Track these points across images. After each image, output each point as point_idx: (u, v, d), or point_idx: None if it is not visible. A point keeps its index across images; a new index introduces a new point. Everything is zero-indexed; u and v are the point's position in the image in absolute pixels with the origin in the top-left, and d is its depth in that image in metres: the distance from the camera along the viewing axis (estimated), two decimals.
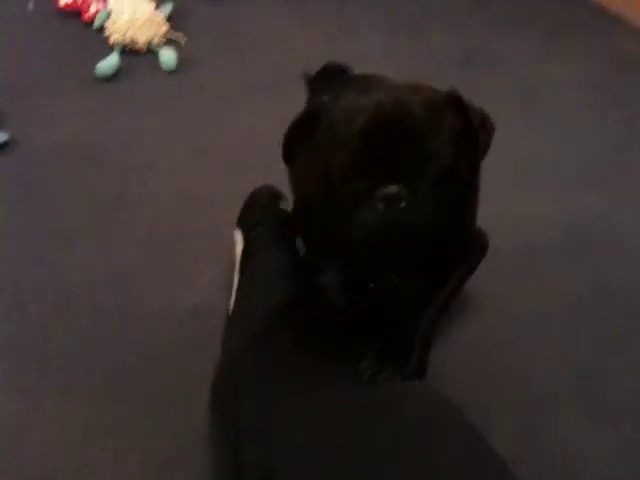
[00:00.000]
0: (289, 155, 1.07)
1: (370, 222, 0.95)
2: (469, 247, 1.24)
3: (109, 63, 2.09)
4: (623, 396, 1.30)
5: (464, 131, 0.99)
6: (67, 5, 2.37)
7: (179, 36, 2.24)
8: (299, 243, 1.32)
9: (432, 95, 1.00)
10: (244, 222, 1.39)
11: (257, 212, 1.37)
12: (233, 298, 1.31)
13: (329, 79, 1.31)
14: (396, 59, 2.14)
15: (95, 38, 2.25)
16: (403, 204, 0.94)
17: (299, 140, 1.05)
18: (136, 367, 1.30)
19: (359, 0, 2.49)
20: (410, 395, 0.88)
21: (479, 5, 2.47)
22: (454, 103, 1.00)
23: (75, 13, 2.36)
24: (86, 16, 2.33)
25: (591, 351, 1.38)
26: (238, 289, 1.29)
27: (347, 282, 1.21)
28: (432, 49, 2.24)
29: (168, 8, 2.33)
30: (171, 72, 2.13)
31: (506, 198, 1.65)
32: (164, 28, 2.23)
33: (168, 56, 2.13)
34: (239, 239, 1.39)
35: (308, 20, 2.38)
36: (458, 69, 2.13)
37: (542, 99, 2.05)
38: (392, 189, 0.94)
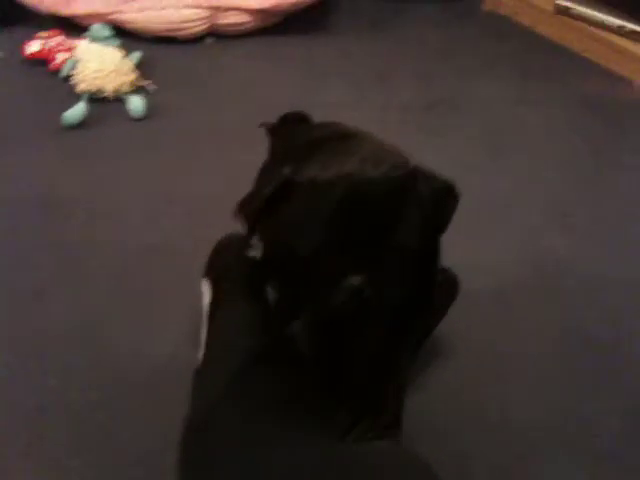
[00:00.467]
0: (255, 226, 1.08)
1: (335, 303, 0.97)
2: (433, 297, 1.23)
3: (76, 112, 2.07)
4: (600, 440, 1.29)
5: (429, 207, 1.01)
6: (34, 54, 2.35)
7: (148, 84, 2.24)
8: (269, 291, 1.30)
9: (398, 174, 1.01)
10: (211, 272, 1.36)
11: (224, 262, 1.35)
12: (202, 351, 1.28)
13: (290, 128, 1.30)
14: (364, 107, 2.15)
15: (62, 87, 2.23)
16: (367, 292, 0.96)
17: (266, 213, 1.05)
18: (104, 422, 1.27)
19: (327, 49, 2.51)
20: (380, 460, 0.86)
21: (446, 53, 2.51)
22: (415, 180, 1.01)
23: (42, 62, 2.35)
24: (52, 65, 2.32)
25: (565, 394, 1.37)
26: (206, 342, 1.26)
27: (319, 330, 1.19)
28: (400, 96, 2.26)
29: (136, 56, 2.33)
30: (139, 119, 2.12)
31: (474, 242, 1.66)
32: (132, 76, 2.22)
33: (136, 103, 2.12)
34: (206, 290, 1.36)
35: (277, 69, 2.39)
36: (425, 114, 2.15)
37: (510, 143, 2.07)
38: (355, 280, 0.95)
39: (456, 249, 1.17)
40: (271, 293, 1.27)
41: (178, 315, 1.47)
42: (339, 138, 1.13)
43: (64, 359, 1.39)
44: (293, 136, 1.21)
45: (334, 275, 0.96)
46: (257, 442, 0.96)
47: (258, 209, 1.04)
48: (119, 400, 1.31)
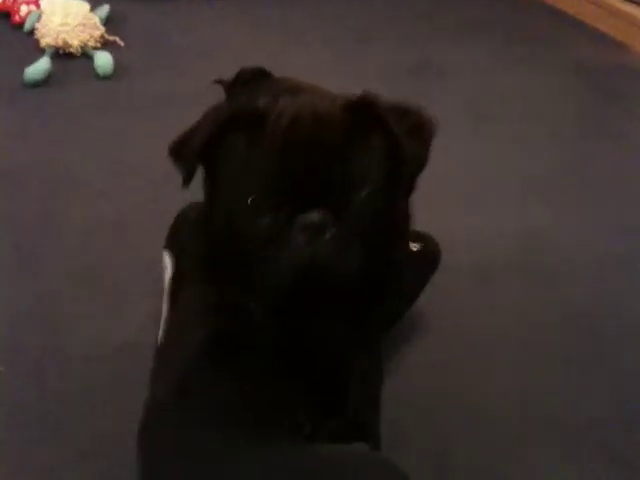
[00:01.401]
0: (193, 172, 0.90)
1: (287, 262, 0.82)
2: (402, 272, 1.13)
3: (39, 68, 1.96)
4: (582, 425, 1.23)
5: (394, 144, 0.86)
6: None
7: (116, 40, 2.12)
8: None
9: (355, 102, 0.87)
10: (172, 245, 1.27)
11: (185, 234, 1.25)
12: (161, 331, 1.20)
13: (247, 85, 1.20)
14: (342, 71, 2.05)
15: (25, 41, 2.12)
16: (328, 235, 0.80)
17: (209, 156, 0.89)
18: (57, 412, 1.18)
19: (305, 10, 2.39)
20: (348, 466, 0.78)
21: (429, 13, 2.41)
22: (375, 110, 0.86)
23: (4, 15, 2.22)
24: (16, 17, 2.21)
25: (550, 377, 1.30)
26: (167, 322, 1.18)
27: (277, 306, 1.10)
28: (380, 59, 2.16)
29: (104, 11, 2.21)
30: (106, 78, 2.00)
31: (455, 213, 1.58)
32: (99, 31, 2.11)
33: (104, 60, 2.01)
34: (168, 263, 1.27)
35: (252, 30, 2.27)
36: (407, 79, 2.05)
37: (495, 111, 1.98)
38: (314, 216, 0.80)
39: (435, 220, 1.09)
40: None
41: (141, 292, 1.38)
42: (299, 88, 1.03)
43: (14, 344, 1.29)
44: (250, 91, 1.10)
45: (280, 219, 0.81)
46: (207, 447, 0.87)
47: (198, 148, 0.87)
48: (82, 390, 1.21)
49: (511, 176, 1.77)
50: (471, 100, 2.00)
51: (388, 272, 0.95)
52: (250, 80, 1.23)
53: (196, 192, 1.28)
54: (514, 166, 1.80)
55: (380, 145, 0.86)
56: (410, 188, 0.90)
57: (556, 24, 2.42)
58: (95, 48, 2.08)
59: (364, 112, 0.86)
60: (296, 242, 0.81)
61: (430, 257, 1.27)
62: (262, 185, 0.82)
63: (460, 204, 1.62)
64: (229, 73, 1.46)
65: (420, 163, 0.88)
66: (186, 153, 0.89)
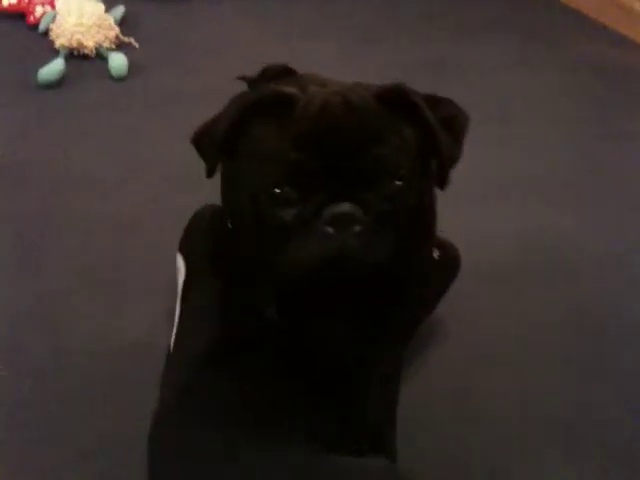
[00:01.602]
0: (221, 150, 0.85)
1: (314, 253, 0.78)
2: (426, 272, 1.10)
3: (52, 69, 1.95)
4: (598, 434, 1.19)
5: (426, 134, 0.83)
6: (11, 6, 2.23)
7: (130, 41, 2.11)
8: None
9: (388, 90, 0.84)
10: (186, 247, 1.25)
11: (199, 237, 1.23)
12: (175, 332, 1.17)
13: (271, 81, 1.18)
14: (350, 67, 2.00)
15: (40, 42, 2.11)
16: (358, 228, 0.77)
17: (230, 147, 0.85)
18: (57, 412, 1.15)
19: (312, 8, 2.36)
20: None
21: (434, 12, 2.36)
22: (407, 100, 0.83)
23: (19, 15, 2.22)
24: (31, 18, 2.21)
25: (564, 382, 1.26)
26: (179, 323, 1.16)
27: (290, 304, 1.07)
28: (396, 56, 2.12)
29: (119, 11, 2.20)
30: (120, 79, 1.99)
31: (472, 214, 1.55)
32: (113, 32, 2.09)
33: (118, 61, 2.00)
34: (181, 266, 1.25)
35: (264, 26, 2.25)
36: (424, 77, 2.00)
37: (513, 110, 1.95)
38: (344, 207, 0.77)
39: (452, 223, 1.06)
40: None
41: (152, 294, 1.35)
42: (325, 82, 1.00)
43: (14, 344, 1.26)
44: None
45: (309, 209, 0.78)
46: (223, 449, 0.85)
47: (222, 136, 0.83)
48: (83, 390, 1.19)
49: (528, 177, 1.73)
50: (485, 99, 1.96)
51: (413, 271, 0.93)
52: (274, 76, 1.21)
53: (210, 193, 1.27)
54: (531, 167, 1.76)
55: (412, 135, 0.83)
56: (443, 181, 0.87)
57: (575, 24, 2.37)
58: (110, 49, 2.07)
59: (396, 101, 0.83)
60: (324, 233, 0.78)
61: (450, 264, 1.24)
62: (288, 174, 0.79)
63: (461, 204, 1.57)
64: (241, 71, 1.46)
65: (454, 155, 0.86)
66: (209, 142, 0.86)
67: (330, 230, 0.77)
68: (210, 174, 0.87)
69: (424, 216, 0.93)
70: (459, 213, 1.52)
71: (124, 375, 1.21)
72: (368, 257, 0.79)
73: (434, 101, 0.86)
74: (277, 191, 0.80)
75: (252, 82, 1.28)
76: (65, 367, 1.22)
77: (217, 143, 0.84)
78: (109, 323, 1.30)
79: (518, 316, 1.36)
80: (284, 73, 1.22)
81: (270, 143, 0.81)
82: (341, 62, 2.06)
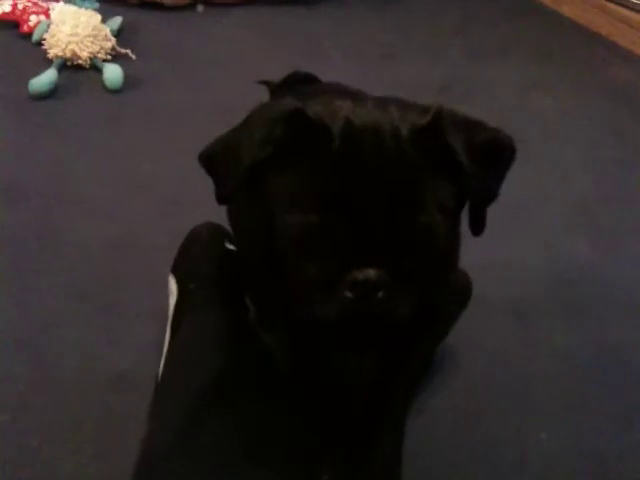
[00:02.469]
0: (243, 181, 0.75)
1: (332, 314, 0.71)
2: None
3: (45, 79, 1.87)
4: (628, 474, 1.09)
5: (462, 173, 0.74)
6: (4, 15, 2.16)
7: (127, 52, 2.02)
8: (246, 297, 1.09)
9: (422, 132, 0.74)
10: (179, 268, 1.15)
11: (194, 257, 1.13)
12: (163, 363, 1.07)
13: (294, 88, 1.09)
14: (367, 85, 1.92)
15: (33, 52, 2.04)
16: (381, 294, 0.70)
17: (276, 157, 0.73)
18: (40, 450, 1.05)
19: (327, 23, 2.29)
20: None
21: (459, 30, 2.30)
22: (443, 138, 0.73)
23: (13, 24, 2.14)
24: (25, 27, 2.13)
25: (592, 427, 1.16)
26: (168, 354, 1.05)
27: (294, 341, 0.98)
28: (405, 75, 2.05)
29: (116, 22, 2.13)
30: (115, 91, 1.91)
31: (489, 245, 1.44)
32: (109, 43, 2.02)
33: (113, 72, 1.92)
34: (173, 289, 1.15)
35: (269, 42, 2.18)
36: (433, 96, 1.92)
37: (526, 134, 1.85)
38: (370, 274, 0.69)
39: (468, 251, 0.97)
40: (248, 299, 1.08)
41: (143, 317, 1.26)
42: (351, 93, 0.90)
43: (7, 370, 1.17)
44: (296, 93, 0.98)
45: (333, 269, 0.71)
46: None
47: (248, 164, 0.73)
48: (61, 421, 1.09)
49: (546, 204, 1.65)
50: (501, 122, 1.87)
51: (433, 311, 0.83)
52: (297, 83, 1.12)
53: (209, 212, 1.18)
54: (549, 193, 1.68)
55: (449, 189, 0.74)
56: (477, 226, 0.80)
57: (589, 45, 2.31)
58: (105, 60, 1.98)
59: (434, 141, 0.73)
60: (344, 297, 0.70)
61: (461, 291, 1.15)
62: (309, 230, 0.71)
63: (489, 232, 1.49)
64: (245, 85, 1.37)
65: (489, 194, 0.78)
66: (232, 168, 0.75)
67: (350, 295, 0.70)
68: (224, 202, 0.79)
69: (450, 260, 0.86)
70: (486, 242, 1.43)
71: (116, 410, 1.11)
72: (389, 318, 0.73)
73: (476, 128, 0.78)
74: (298, 240, 0.72)
75: (275, 88, 1.19)
76: (51, 400, 1.12)
77: (242, 172, 0.74)
78: (98, 351, 1.21)
79: (551, 353, 1.28)
80: (307, 80, 1.13)
81: (294, 185, 0.73)
82: (357, 79, 1.95)
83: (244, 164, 0.73)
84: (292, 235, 0.72)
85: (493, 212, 1.50)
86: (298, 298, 0.74)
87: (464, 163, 0.73)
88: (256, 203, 0.81)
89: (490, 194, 0.78)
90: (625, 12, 2.30)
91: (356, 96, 0.89)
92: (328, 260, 0.71)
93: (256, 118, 0.77)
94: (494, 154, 0.77)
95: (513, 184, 1.60)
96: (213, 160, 0.79)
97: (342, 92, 0.90)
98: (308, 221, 0.70)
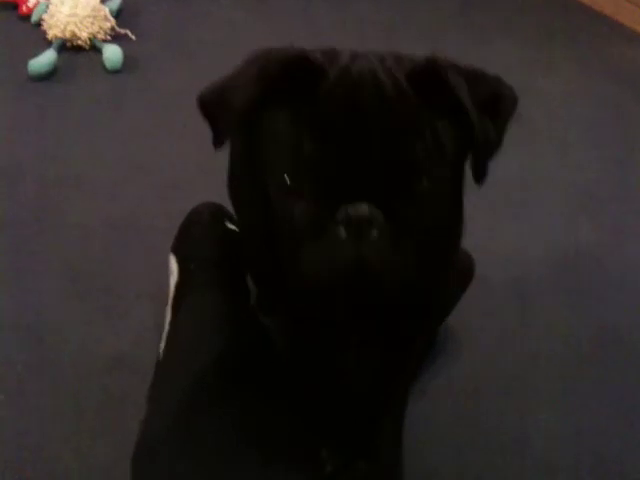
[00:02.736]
0: (236, 125, 0.74)
1: (325, 259, 0.68)
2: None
3: (44, 60, 1.84)
4: (629, 466, 1.09)
5: (463, 121, 0.71)
6: None
7: (127, 33, 2.00)
8: (250, 278, 1.09)
9: (422, 69, 0.73)
10: (180, 248, 1.14)
11: (195, 237, 1.13)
12: (163, 343, 1.07)
13: None
14: None
15: (32, 33, 2.01)
16: (375, 233, 0.67)
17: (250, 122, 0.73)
18: (39, 433, 1.06)
19: (329, 4, 2.26)
20: None
21: (460, 10, 2.27)
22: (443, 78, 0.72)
23: (12, 5, 2.12)
24: (24, 8, 2.10)
25: (592, 408, 1.16)
26: (169, 335, 1.05)
27: (295, 322, 0.97)
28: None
29: (115, 3, 2.10)
30: (115, 72, 1.89)
31: (491, 227, 1.45)
32: (109, 23, 1.99)
33: (112, 53, 1.90)
34: (174, 268, 1.14)
35: (269, 22, 2.14)
36: None
37: (529, 115, 1.84)
38: (361, 209, 0.67)
39: (471, 233, 0.96)
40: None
41: (142, 299, 1.26)
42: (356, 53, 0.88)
43: (5, 354, 1.17)
44: None
45: (324, 206, 0.68)
46: None
47: (240, 109, 0.71)
48: (60, 404, 1.10)
49: (549, 188, 1.64)
50: None
51: (437, 292, 0.82)
52: None
53: (209, 194, 1.17)
54: (552, 177, 1.67)
55: (448, 129, 0.72)
56: (480, 174, 0.76)
57: (592, 24, 2.28)
58: (105, 41, 1.96)
59: (431, 81, 0.72)
60: (337, 236, 0.67)
61: (463, 272, 1.14)
62: (301, 166, 0.69)
63: (494, 216, 1.49)
64: None
65: (494, 144, 0.74)
66: (223, 113, 0.74)
67: (343, 233, 0.67)
68: (219, 145, 0.76)
69: (453, 226, 0.82)
70: (490, 225, 1.45)
71: (115, 392, 1.12)
72: (388, 271, 0.69)
73: (476, 77, 0.75)
74: (288, 182, 0.69)
75: None
76: (49, 384, 1.13)
77: (235, 116, 0.73)
78: (96, 334, 1.21)
79: (554, 338, 1.28)
80: None
81: (287, 124, 0.71)
82: None
83: (240, 101, 0.72)
84: (285, 167, 0.70)
85: (495, 194, 1.51)
86: (293, 250, 0.70)
87: (464, 101, 0.70)
88: (247, 151, 0.79)
89: (492, 142, 0.74)
90: None
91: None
92: (320, 196, 0.68)
93: (253, 60, 0.77)
94: (494, 99, 0.75)
95: (515, 165, 1.62)
96: (210, 101, 0.78)
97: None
98: (302, 150, 0.68)
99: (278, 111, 0.72)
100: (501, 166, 1.58)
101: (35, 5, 2.08)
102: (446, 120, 0.72)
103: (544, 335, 1.27)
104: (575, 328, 1.29)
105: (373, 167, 0.68)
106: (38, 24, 2.02)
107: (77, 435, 1.06)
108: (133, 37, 2.00)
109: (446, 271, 0.87)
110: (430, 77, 0.72)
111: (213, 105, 0.76)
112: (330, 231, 0.67)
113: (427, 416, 1.10)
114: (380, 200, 0.68)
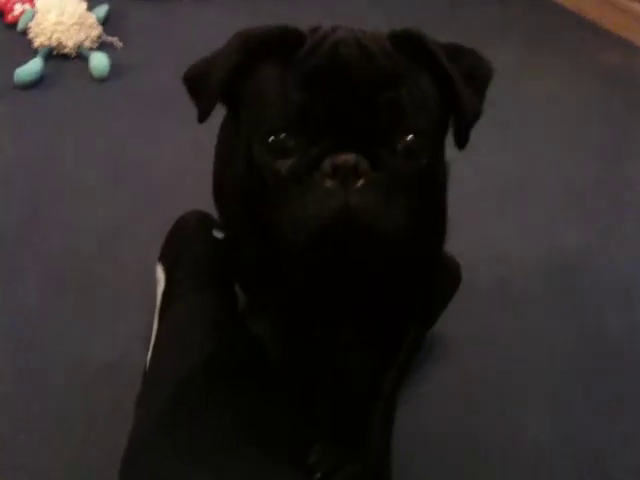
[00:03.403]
0: (220, 95, 0.75)
1: (312, 210, 0.67)
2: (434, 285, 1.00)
3: (30, 69, 1.84)
4: (622, 464, 1.09)
5: (444, 86, 0.73)
6: None
7: (114, 40, 2.00)
8: (237, 285, 1.08)
9: (404, 35, 0.76)
10: (167, 256, 1.14)
11: (182, 245, 1.12)
12: (150, 353, 1.06)
13: None
14: None
15: (18, 41, 2.01)
16: (361, 182, 0.67)
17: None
18: (28, 442, 1.05)
19: (318, 8, 2.26)
20: None
21: (447, 17, 2.28)
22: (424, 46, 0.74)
23: None
24: (10, 17, 2.10)
25: (583, 414, 1.16)
26: (156, 342, 1.04)
27: (287, 329, 0.97)
28: None
29: (102, 10, 2.10)
30: (102, 80, 1.88)
31: (479, 229, 1.45)
32: (96, 31, 1.99)
33: (99, 60, 1.89)
34: (161, 277, 1.14)
35: (256, 24, 2.14)
36: None
37: (517, 117, 1.85)
38: (347, 157, 0.66)
39: (458, 237, 0.97)
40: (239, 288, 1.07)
41: (130, 307, 1.25)
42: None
43: None
44: None
45: (311, 155, 0.69)
46: None
47: (221, 80, 0.73)
48: (49, 413, 1.09)
49: (537, 190, 1.64)
50: (492, 106, 1.86)
51: (427, 264, 0.82)
52: None
53: (198, 200, 1.17)
54: (540, 179, 1.67)
55: (430, 85, 0.73)
56: (462, 140, 0.77)
57: (578, 30, 2.29)
58: (92, 49, 1.96)
59: (413, 47, 0.74)
60: (323, 187, 0.67)
61: (450, 278, 1.15)
62: (287, 118, 0.69)
63: (481, 218, 1.49)
64: None
65: (475, 110, 0.76)
66: (206, 83, 0.75)
67: (330, 183, 0.67)
68: (203, 119, 0.76)
69: (437, 188, 0.83)
70: (478, 228, 1.44)
71: (105, 401, 1.11)
72: (375, 222, 0.68)
73: (454, 50, 0.78)
74: (272, 139, 0.69)
75: None
76: (38, 392, 1.12)
77: (216, 86, 0.74)
78: (84, 342, 1.20)
79: (541, 341, 1.27)
80: None
81: (271, 83, 0.71)
82: None
83: (222, 69, 0.73)
84: (263, 131, 0.70)
85: (483, 197, 1.51)
86: (277, 208, 0.70)
87: (445, 65, 0.72)
88: (234, 124, 0.80)
89: (473, 108, 0.76)
90: None
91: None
92: (306, 147, 0.68)
93: (235, 36, 0.78)
94: (474, 70, 0.77)
95: (503, 169, 1.63)
96: (193, 79, 0.79)
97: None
98: (289, 99, 0.69)
99: (263, 73, 0.73)
100: (488, 169, 1.61)
101: (21, 13, 2.07)
102: (429, 76, 0.74)
103: (532, 341, 1.27)
104: (563, 331, 1.29)
105: (359, 117, 0.68)
106: (24, 32, 2.02)
107: (66, 445, 1.05)
108: (120, 45, 2.00)
109: (435, 241, 0.87)
110: (412, 42, 0.75)
111: (197, 78, 0.78)
112: (316, 181, 0.67)
113: (416, 423, 1.09)
114: (366, 150, 0.68)
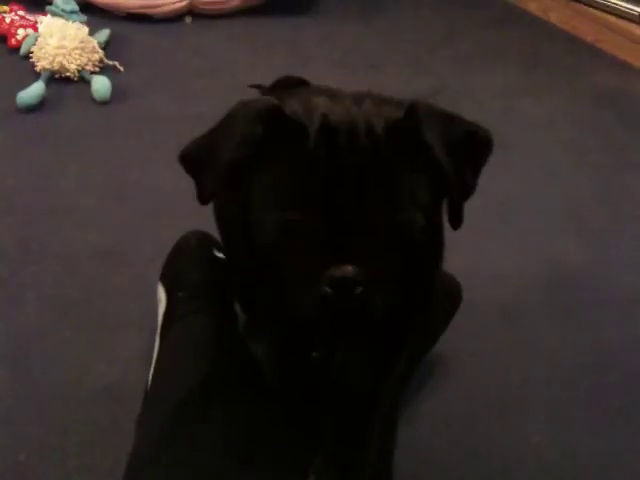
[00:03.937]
0: (224, 182, 0.76)
1: (312, 307, 0.72)
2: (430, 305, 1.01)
3: (32, 92, 1.86)
4: (623, 476, 1.09)
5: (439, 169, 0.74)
6: None
7: (115, 64, 2.03)
8: (238, 306, 1.09)
9: (398, 129, 0.75)
10: (167, 277, 1.15)
11: (183, 265, 1.13)
12: (152, 372, 1.06)
13: (286, 91, 1.09)
14: None
15: (21, 66, 2.03)
16: (359, 290, 0.71)
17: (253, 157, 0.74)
18: (31, 465, 1.04)
19: (314, 33, 2.29)
20: None
21: (445, 39, 2.30)
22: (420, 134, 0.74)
23: (1, 38, 2.14)
24: (13, 41, 2.13)
25: (585, 429, 1.15)
26: (157, 363, 1.05)
27: (285, 353, 0.98)
28: (392, 84, 2.04)
29: (104, 35, 2.13)
30: (104, 103, 1.90)
31: (478, 249, 1.45)
32: (97, 55, 2.01)
33: (101, 84, 1.91)
34: (162, 297, 1.15)
35: (258, 53, 2.18)
36: None
37: (514, 139, 1.87)
38: (348, 271, 0.70)
39: (458, 256, 0.98)
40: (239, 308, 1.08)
41: (130, 329, 1.25)
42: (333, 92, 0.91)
43: None
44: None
45: (311, 267, 0.72)
46: None
47: (228, 165, 0.74)
48: (47, 435, 1.08)
49: (536, 209, 1.65)
50: (489, 127, 1.88)
51: (418, 303, 0.84)
52: (288, 87, 1.13)
53: (197, 222, 1.18)
54: (539, 198, 1.68)
55: (426, 184, 0.75)
56: (456, 220, 0.79)
57: (575, 51, 2.32)
58: (93, 72, 1.98)
59: (409, 137, 0.74)
60: (324, 293, 0.71)
61: (451, 297, 1.16)
62: (285, 232, 0.72)
63: (480, 237, 1.49)
64: (230, 97, 1.36)
65: (466, 188, 0.78)
66: (212, 170, 0.76)
67: (330, 291, 0.71)
68: (207, 201, 0.79)
69: (433, 250, 0.85)
70: (477, 246, 1.45)
71: (104, 423, 1.10)
72: (368, 314, 0.73)
73: (453, 121, 0.78)
74: (279, 239, 0.73)
75: (265, 91, 1.20)
76: (37, 414, 1.11)
77: (223, 171, 0.75)
78: (84, 365, 1.19)
79: (543, 358, 1.27)
80: (298, 84, 1.14)
81: (268, 191, 0.74)
82: (344, 88, 1.98)
83: (224, 163, 0.74)
84: (271, 233, 0.73)
85: (482, 216, 1.52)
86: (279, 295, 0.74)
87: (440, 158, 0.73)
88: (237, 201, 0.81)
89: (467, 189, 0.78)
90: (611, 19, 2.32)
91: (334, 93, 0.89)
92: (306, 258, 0.72)
93: (235, 117, 0.78)
94: (471, 148, 0.78)
95: (501, 189, 1.64)
96: (193, 160, 0.80)
97: (324, 91, 0.91)
98: (286, 219, 0.71)
99: (260, 173, 0.75)
100: (487, 190, 1.60)
101: (24, 38, 2.10)
102: (423, 174, 0.74)
103: (533, 357, 1.27)
104: (563, 346, 1.29)
105: (356, 230, 0.71)
106: (27, 56, 2.04)
107: (65, 466, 1.05)
108: (121, 68, 2.03)
109: (428, 292, 0.89)
110: (408, 133, 0.74)
111: (198, 163, 0.79)
112: (318, 288, 0.71)
113: (417, 442, 1.09)
114: (363, 259, 0.71)
